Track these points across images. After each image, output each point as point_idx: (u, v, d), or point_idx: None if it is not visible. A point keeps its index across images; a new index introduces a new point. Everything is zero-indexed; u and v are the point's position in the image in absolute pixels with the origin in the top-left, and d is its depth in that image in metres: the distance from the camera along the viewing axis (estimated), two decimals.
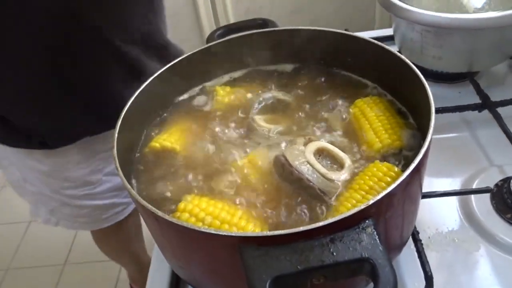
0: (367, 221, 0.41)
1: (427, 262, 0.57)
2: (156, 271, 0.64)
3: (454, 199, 0.68)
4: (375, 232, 0.40)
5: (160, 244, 0.55)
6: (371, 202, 0.41)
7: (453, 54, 0.80)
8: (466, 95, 0.86)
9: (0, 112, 0.82)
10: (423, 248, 0.59)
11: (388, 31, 0.98)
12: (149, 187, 0.56)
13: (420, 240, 0.60)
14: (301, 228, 0.40)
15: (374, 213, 0.41)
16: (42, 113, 0.82)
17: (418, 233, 0.61)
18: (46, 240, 1.92)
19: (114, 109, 0.56)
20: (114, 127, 0.53)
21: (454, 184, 0.70)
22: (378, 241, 0.39)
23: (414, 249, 0.61)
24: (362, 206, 0.40)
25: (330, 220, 0.40)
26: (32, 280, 1.79)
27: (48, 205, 1.01)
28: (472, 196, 0.67)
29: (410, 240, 0.61)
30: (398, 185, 0.42)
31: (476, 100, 0.80)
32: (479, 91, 0.81)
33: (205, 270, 0.50)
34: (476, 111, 0.79)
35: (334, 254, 0.39)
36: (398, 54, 0.57)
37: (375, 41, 0.60)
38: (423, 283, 0.57)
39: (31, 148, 0.87)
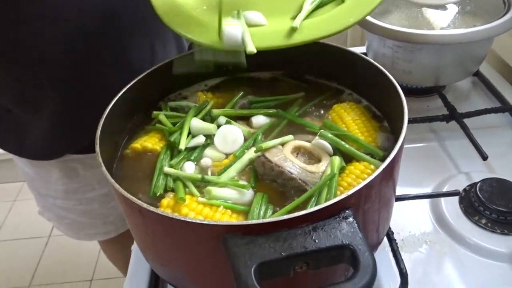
0: (347, 211, 0.43)
1: (402, 260, 0.59)
2: (135, 273, 0.63)
3: (426, 204, 0.71)
4: (354, 221, 0.42)
5: (141, 242, 0.54)
6: (350, 192, 0.43)
7: (421, 68, 0.85)
8: (434, 108, 0.92)
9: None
10: (397, 247, 0.61)
11: (361, 49, 1.03)
12: (131, 186, 0.56)
13: (395, 240, 0.62)
14: (285, 217, 0.41)
15: (353, 203, 0.43)
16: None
17: (393, 233, 0.63)
18: (69, 256, 1.86)
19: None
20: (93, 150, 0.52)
21: (425, 190, 0.73)
22: (358, 229, 0.41)
23: (388, 251, 0.63)
24: (343, 196, 0.42)
25: (312, 209, 0.41)
26: None
27: (41, 201, 1.00)
28: (442, 200, 0.70)
29: (384, 244, 0.63)
30: (375, 177, 0.44)
31: (444, 112, 0.85)
32: (447, 104, 0.86)
33: (187, 266, 0.50)
34: (444, 122, 0.84)
35: (316, 241, 0.40)
36: (376, 63, 0.60)
37: (356, 52, 0.64)
38: (398, 282, 0.59)
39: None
